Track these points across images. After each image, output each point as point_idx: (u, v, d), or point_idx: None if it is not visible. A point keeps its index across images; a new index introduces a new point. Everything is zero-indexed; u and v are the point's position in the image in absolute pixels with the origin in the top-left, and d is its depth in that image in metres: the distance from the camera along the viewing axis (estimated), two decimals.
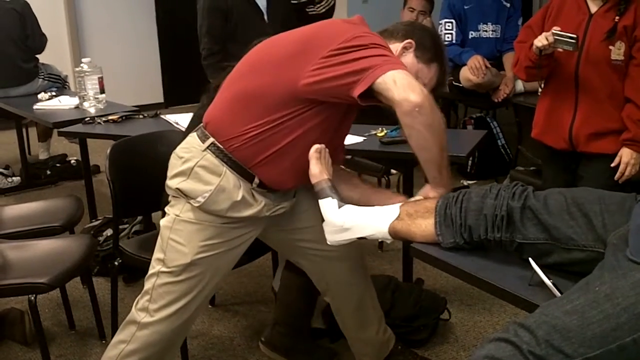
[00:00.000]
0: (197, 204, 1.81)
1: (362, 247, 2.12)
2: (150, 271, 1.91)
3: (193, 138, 1.86)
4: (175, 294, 1.87)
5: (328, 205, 1.74)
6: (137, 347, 1.91)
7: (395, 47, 1.83)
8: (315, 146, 1.77)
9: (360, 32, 1.71)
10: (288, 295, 2.47)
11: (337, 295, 2.16)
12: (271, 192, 1.88)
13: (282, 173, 1.83)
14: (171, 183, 1.85)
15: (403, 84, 1.59)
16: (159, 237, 1.91)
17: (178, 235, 1.85)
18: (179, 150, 1.88)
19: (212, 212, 1.82)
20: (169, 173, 1.88)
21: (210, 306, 2.95)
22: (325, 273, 2.11)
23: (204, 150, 1.81)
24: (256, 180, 1.82)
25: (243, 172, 1.81)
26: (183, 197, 1.83)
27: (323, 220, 1.77)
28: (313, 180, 1.78)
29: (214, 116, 1.84)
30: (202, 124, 1.87)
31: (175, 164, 1.86)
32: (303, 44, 1.74)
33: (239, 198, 1.81)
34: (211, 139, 1.81)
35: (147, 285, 1.91)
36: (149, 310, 1.89)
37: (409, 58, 1.84)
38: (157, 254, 1.90)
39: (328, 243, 1.78)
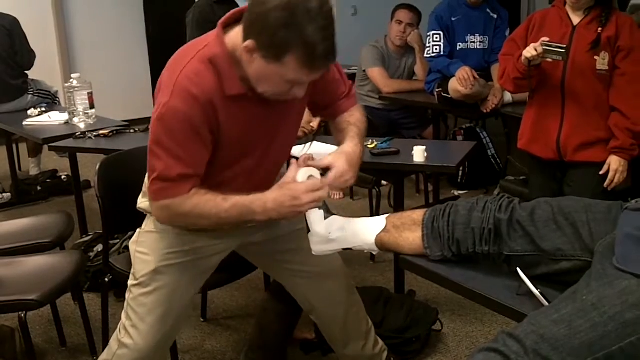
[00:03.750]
0: (155, 218, 1.83)
1: (344, 266, 2.12)
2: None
3: None
4: (147, 307, 1.85)
5: (314, 216, 1.74)
6: None
7: (243, 54, 1.54)
8: (303, 156, 1.73)
9: (160, 111, 1.56)
10: (265, 317, 2.44)
11: (321, 315, 2.15)
12: None
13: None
14: (138, 201, 1.91)
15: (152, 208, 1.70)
16: None
17: (142, 247, 1.88)
18: None
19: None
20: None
21: (202, 320, 2.95)
22: (308, 293, 2.09)
23: None
24: None
25: None
26: (146, 213, 1.89)
27: (308, 232, 1.76)
28: None
29: None
30: None
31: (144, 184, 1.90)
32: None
33: None
34: None
35: (125, 304, 1.91)
36: (126, 328, 1.88)
37: (258, 64, 1.51)
38: (131, 271, 1.92)
39: (313, 253, 1.77)
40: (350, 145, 1.77)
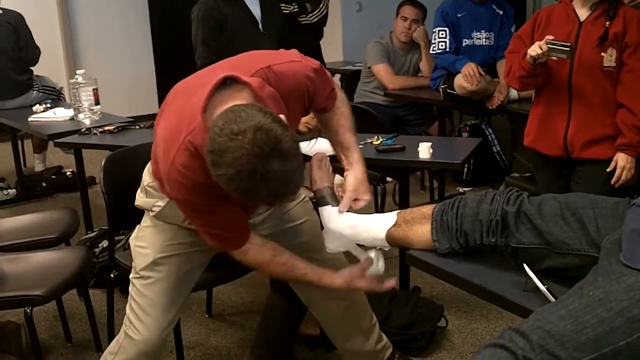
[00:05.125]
0: (153, 214, 1.89)
1: (347, 262, 2.11)
2: None
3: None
4: (148, 298, 1.91)
5: (328, 213, 1.75)
6: (125, 358, 1.94)
7: None
8: (317, 154, 1.78)
9: (176, 200, 1.69)
10: (270, 314, 2.45)
11: (319, 308, 2.16)
12: None
13: None
14: (136, 198, 1.95)
15: None
16: None
17: (141, 241, 1.94)
18: (147, 167, 1.93)
19: (168, 222, 1.88)
20: None
21: (207, 316, 2.95)
22: (305, 287, 2.10)
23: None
24: None
25: None
26: (144, 210, 1.93)
27: (312, 233, 1.78)
28: (314, 187, 1.79)
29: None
30: None
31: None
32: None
33: None
34: None
35: (129, 297, 1.97)
36: (130, 320, 1.94)
37: None
38: (132, 265, 1.97)
39: (328, 251, 1.79)
40: (360, 169, 1.87)
